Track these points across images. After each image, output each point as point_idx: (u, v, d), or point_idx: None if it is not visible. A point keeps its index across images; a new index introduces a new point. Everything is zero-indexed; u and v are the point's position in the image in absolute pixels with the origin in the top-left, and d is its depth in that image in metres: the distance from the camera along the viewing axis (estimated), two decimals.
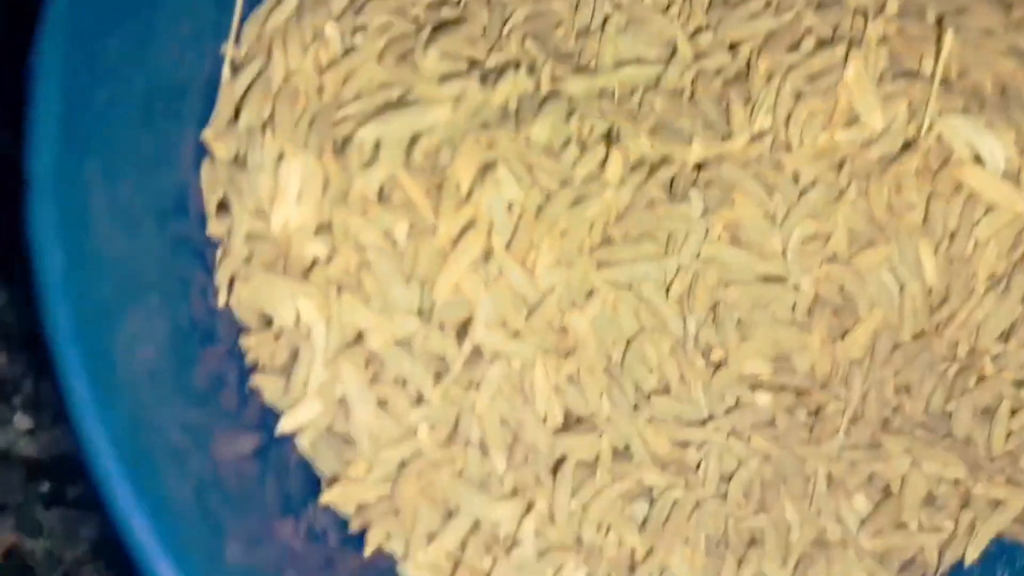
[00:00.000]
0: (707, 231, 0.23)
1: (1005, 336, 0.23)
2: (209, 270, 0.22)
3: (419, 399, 0.22)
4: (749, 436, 0.24)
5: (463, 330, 0.22)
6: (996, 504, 0.25)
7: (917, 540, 0.25)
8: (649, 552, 0.23)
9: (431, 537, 0.22)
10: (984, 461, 0.25)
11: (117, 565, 0.29)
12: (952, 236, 0.23)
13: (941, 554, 0.25)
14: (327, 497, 0.22)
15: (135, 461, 0.18)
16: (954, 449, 0.24)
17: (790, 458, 0.24)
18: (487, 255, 0.22)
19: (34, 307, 0.17)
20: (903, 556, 0.25)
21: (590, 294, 0.23)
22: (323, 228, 0.21)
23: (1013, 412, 0.24)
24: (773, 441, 0.24)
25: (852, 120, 0.22)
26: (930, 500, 0.25)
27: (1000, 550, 0.25)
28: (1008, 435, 0.24)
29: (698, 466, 0.24)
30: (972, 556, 0.25)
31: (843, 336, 0.23)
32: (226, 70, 0.21)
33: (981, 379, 0.24)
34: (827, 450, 0.24)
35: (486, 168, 0.21)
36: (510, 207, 0.22)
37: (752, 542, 0.24)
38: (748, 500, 0.24)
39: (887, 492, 0.25)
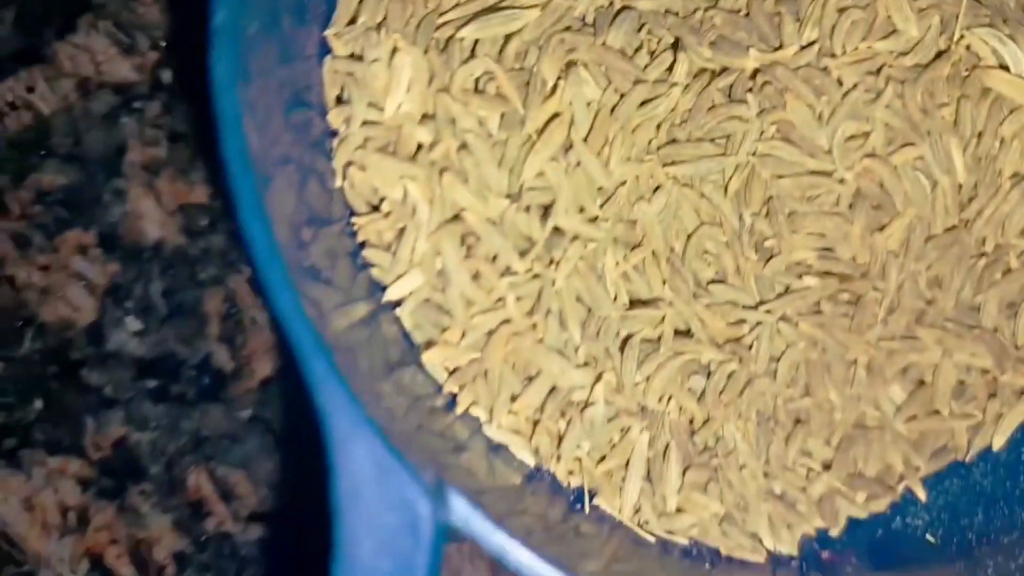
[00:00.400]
0: (761, 131, 0.26)
1: None
2: (328, 157, 0.25)
3: (507, 272, 0.25)
4: (797, 321, 0.27)
5: (546, 213, 0.25)
6: (1021, 393, 0.28)
7: (948, 426, 0.28)
8: (706, 421, 0.26)
9: (514, 398, 0.26)
10: (1010, 352, 0.27)
11: (219, 456, 0.32)
12: (980, 136, 0.26)
13: (971, 440, 0.28)
14: (427, 356, 0.25)
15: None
16: (982, 341, 0.27)
17: (834, 344, 0.27)
18: (567, 147, 0.25)
19: None
20: (936, 442, 0.28)
21: (657, 189, 0.26)
22: (428, 116, 0.25)
23: None
24: (819, 327, 0.27)
25: (890, 31, 0.25)
26: (960, 390, 0.28)
27: None
28: None
29: (750, 347, 0.27)
30: (999, 442, 0.28)
31: (881, 229, 0.26)
32: None
33: (1007, 272, 0.27)
34: (867, 338, 0.27)
35: (568, 67, 0.25)
36: (588, 104, 0.25)
37: (798, 421, 0.27)
38: (795, 384, 0.27)
39: (921, 382, 0.28)
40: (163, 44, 0.33)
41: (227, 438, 0.32)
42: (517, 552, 0.19)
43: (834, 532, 0.27)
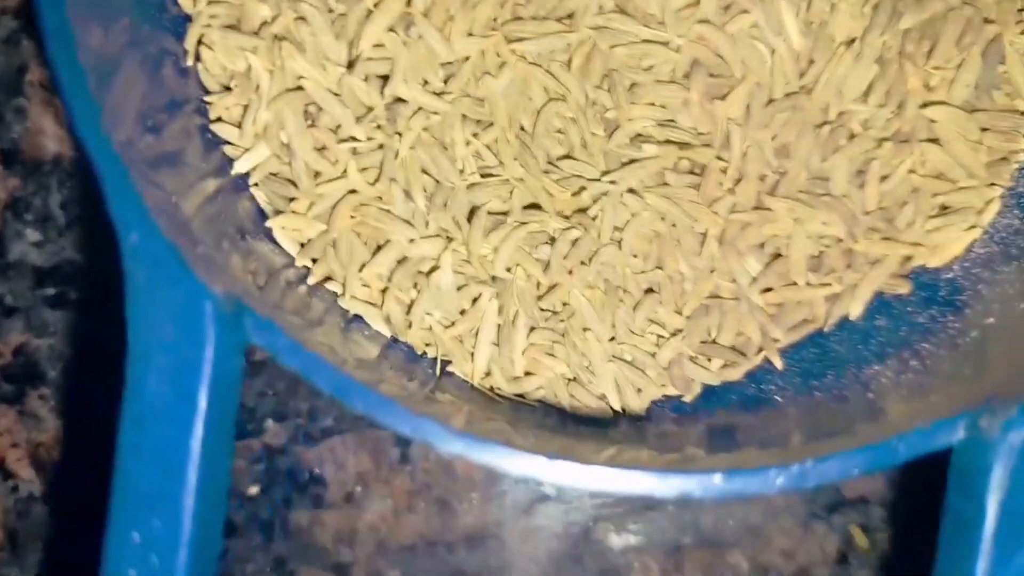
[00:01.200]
0: (600, 5, 0.27)
1: (865, 96, 0.28)
2: (181, 40, 0.27)
3: (349, 140, 0.27)
4: (643, 193, 0.28)
5: (384, 83, 0.27)
6: (875, 262, 0.29)
7: (806, 296, 0.29)
8: (552, 287, 0.28)
9: (363, 266, 0.27)
10: (860, 219, 0.29)
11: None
12: (809, 1, 0.27)
13: (829, 310, 0.29)
14: (273, 223, 0.27)
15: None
16: (833, 209, 0.28)
17: (681, 215, 0.28)
18: (407, 22, 0.27)
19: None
20: (795, 314, 0.29)
21: (503, 66, 0.28)
22: None
23: (883, 176, 0.29)
24: (665, 198, 0.28)
25: None
26: (817, 262, 0.29)
27: (880, 304, 0.29)
28: (881, 195, 0.29)
29: (595, 218, 0.28)
30: (856, 311, 0.29)
31: (723, 97, 0.28)
32: None
33: (851, 137, 0.28)
34: (717, 209, 0.28)
35: None
36: None
37: (649, 291, 0.29)
38: (647, 256, 0.28)
39: (777, 255, 0.29)
40: None
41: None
42: (308, 363, 0.20)
43: (687, 398, 0.28)
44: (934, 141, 0.28)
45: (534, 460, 0.22)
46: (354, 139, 0.27)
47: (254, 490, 0.33)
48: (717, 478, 0.20)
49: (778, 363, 0.29)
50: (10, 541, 0.34)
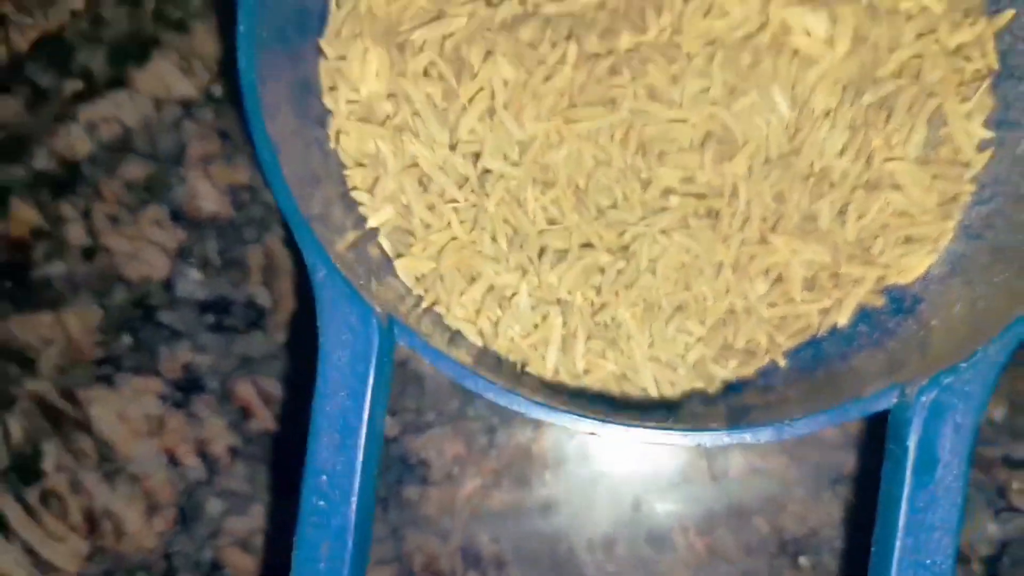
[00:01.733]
0: (635, 93, 0.37)
1: (841, 154, 0.37)
2: (326, 128, 0.38)
3: (452, 201, 0.37)
4: (671, 232, 0.38)
5: (477, 159, 0.37)
6: (856, 281, 0.38)
7: (802, 309, 0.39)
8: (603, 306, 0.38)
9: (462, 294, 0.37)
10: (843, 248, 0.38)
11: (261, 372, 0.44)
12: (795, 84, 0.37)
13: (821, 320, 0.39)
14: (398, 264, 0.37)
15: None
16: (822, 241, 0.38)
17: (701, 249, 0.38)
18: (491, 112, 0.37)
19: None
20: (794, 324, 0.39)
21: (562, 141, 0.38)
22: (391, 95, 0.37)
23: (859, 215, 0.38)
24: (688, 236, 0.38)
25: (723, 14, 0.37)
26: (810, 283, 0.39)
27: (862, 314, 0.39)
28: (858, 229, 0.38)
29: (635, 253, 0.38)
30: (843, 320, 0.39)
31: (730, 159, 0.38)
32: (333, 4, 0.38)
33: (832, 186, 0.38)
34: (729, 244, 0.38)
35: (488, 55, 0.37)
36: (505, 81, 0.37)
37: (679, 308, 0.38)
38: (676, 282, 0.38)
39: (779, 278, 0.39)
40: (215, 68, 0.46)
41: (267, 357, 0.44)
42: (439, 359, 0.31)
43: (711, 390, 0.38)
44: (896, 188, 0.38)
45: (594, 423, 0.31)
46: (455, 200, 0.37)
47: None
48: (722, 433, 0.30)
49: (781, 362, 0.38)
50: (181, 518, 0.44)
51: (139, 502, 0.44)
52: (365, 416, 0.29)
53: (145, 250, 0.45)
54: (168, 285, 0.44)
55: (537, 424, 0.43)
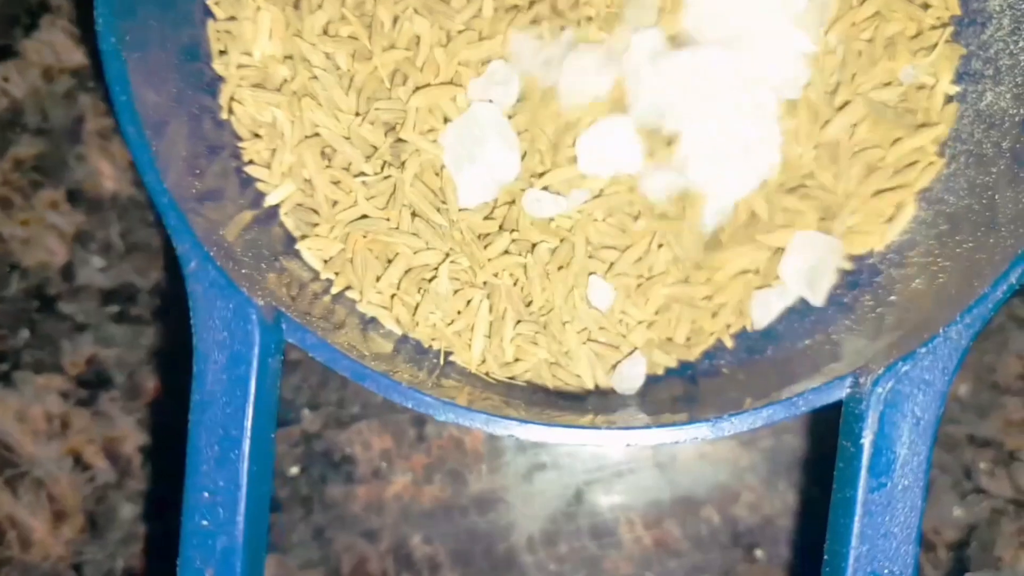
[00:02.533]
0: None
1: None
2: (216, 98, 0.34)
3: (360, 175, 0.33)
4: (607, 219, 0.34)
5: (390, 129, 0.33)
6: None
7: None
8: (535, 289, 0.34)
9: (377, 277, 0.33)
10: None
11: (170, 365, 0.40)
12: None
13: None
14: (300, 244, 0.33)
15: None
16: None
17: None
18: (406, 77, 0.33)
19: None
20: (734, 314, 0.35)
21: None
22: (288, 57, 0.33)
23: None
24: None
25: None
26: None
27: None
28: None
29: (570, 230, 0.34)
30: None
31: None
32: None
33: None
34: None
35: (399, 9, 0.33)
36: (418, 39, 0.33)
37: (626, 296, 0.34)
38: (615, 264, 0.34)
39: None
40: None
41: (177, 349, 0.40)
42: (335, 358, 0.27)
43: (657, 371, 0.34)
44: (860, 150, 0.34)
45: (521, 426, 0.28)
46: (363, 174, 0.33)
47: (295, 470, 0.39)
48: (653, 431, 0.26)
49: (729, 343, 0.35)
50: (90, 524, 0.40)
51: (45, 509, 0.40)
52: (248, 425, 0.25)
53: (41, 235, 0.41)
54: (68, 273, 0.40)
55: None
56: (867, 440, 0.25)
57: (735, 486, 0.39)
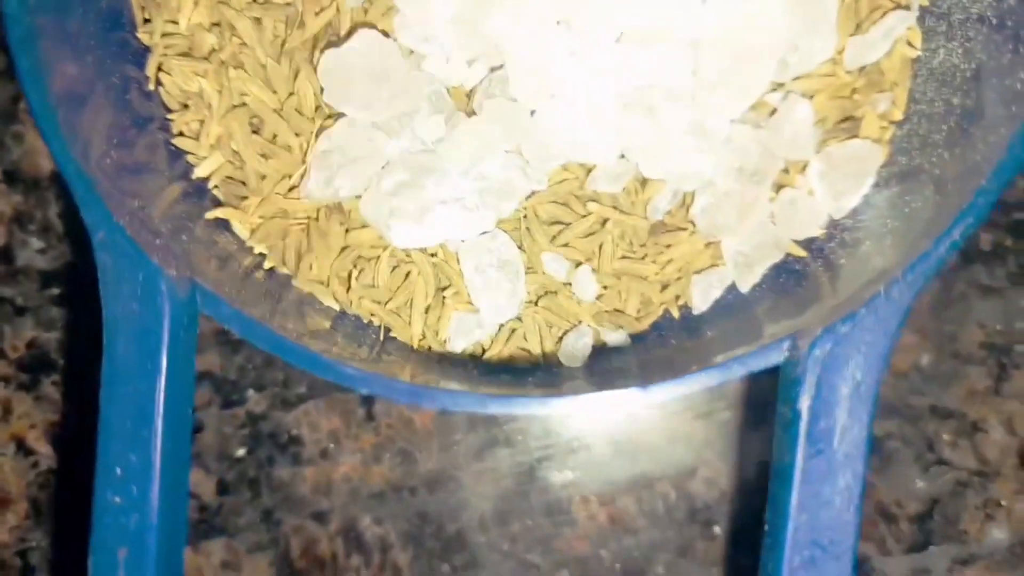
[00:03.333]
0: None
1: None
2: (143, 68, 0.32)
3: (289, 149, 0.31)
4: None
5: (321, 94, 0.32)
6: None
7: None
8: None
9: (311, 267, 0.32)
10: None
11: None
12: None
13: None
14: (229, 216, 0.32)
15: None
16: None
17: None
18: (340, 41, 0.31)
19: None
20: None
21: None
22: (215, 24, 0.31)
23: None
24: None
25: None
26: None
27: None
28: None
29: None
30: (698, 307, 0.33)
31: None
32: None
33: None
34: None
35: None
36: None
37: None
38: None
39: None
40: None
41: None
42: (254, 332, 0.25)
43: (609, 341, 0.33)
44: None
45: (454, 397, 0.26)
46: (288, 148, 0.31)
47: (241, 452, 0.38)
48: (588, 397, 0.25)
49: (676, 313, 0.33)
50: (33, 510, 0.39)
51: None
52: (160, 400, 0.24)
53: None
54: (6, 255, 0.39)
55: None
56: (804, 405, 0.23)
57: (692, 461, 0.38)
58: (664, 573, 0.38)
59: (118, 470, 0.24)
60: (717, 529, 0.38)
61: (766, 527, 0.25)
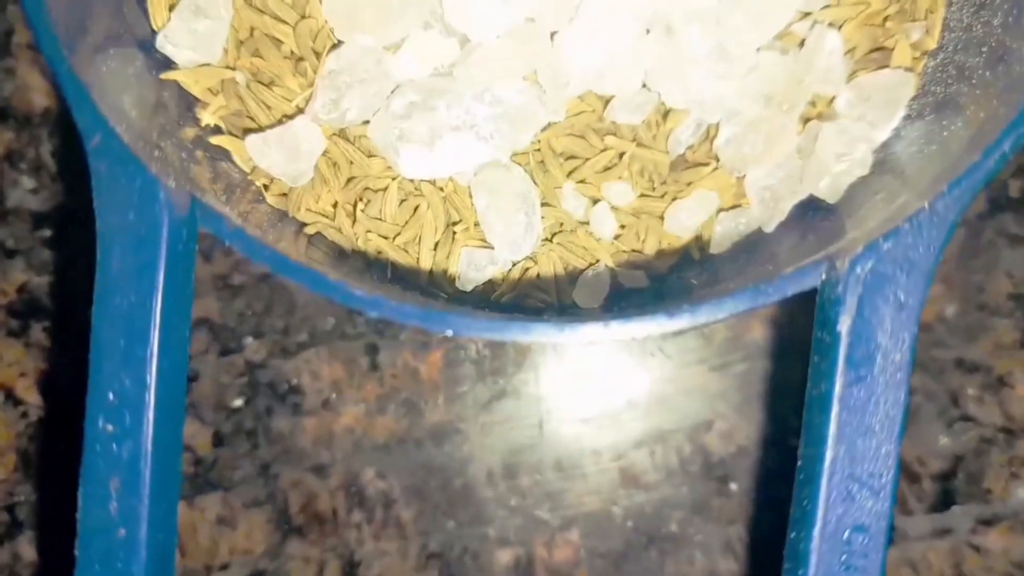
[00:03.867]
0: None
1: None
2: None
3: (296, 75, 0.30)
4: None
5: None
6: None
7: None
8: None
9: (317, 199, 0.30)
10: None
11: None
12: None
13: None
14: (230, 146, 0.30)
15: None
16: None
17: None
18: None
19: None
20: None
21: None
22: None
23: None
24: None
25: None
26: None
27: None
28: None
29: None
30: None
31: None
32: None
33: None
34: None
35: None
36: None
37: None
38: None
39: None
40: None
41: None
42: (256, 249, 0.23)
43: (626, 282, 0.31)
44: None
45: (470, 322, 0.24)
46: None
47: (238, 402, 0.36)
48: (613, 325, 0.23)
49: (696, 255, 0.32)
50: (22, 463, 0.37)
51: None
52: (157, 317, 0.22)
53: None
54: None
55: (426, 342, 0.36)
56: (844, 327, 0.22)
57: (707, 415, 0.36)
58: (678, 530, 0.36)
59: (110, 395, 0.22)
60: (734, 486, 0.36)
61: (799, 462, 0.23)
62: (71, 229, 0.37)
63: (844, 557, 0.22)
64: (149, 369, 0.22)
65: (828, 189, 0.30)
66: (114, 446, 0.22)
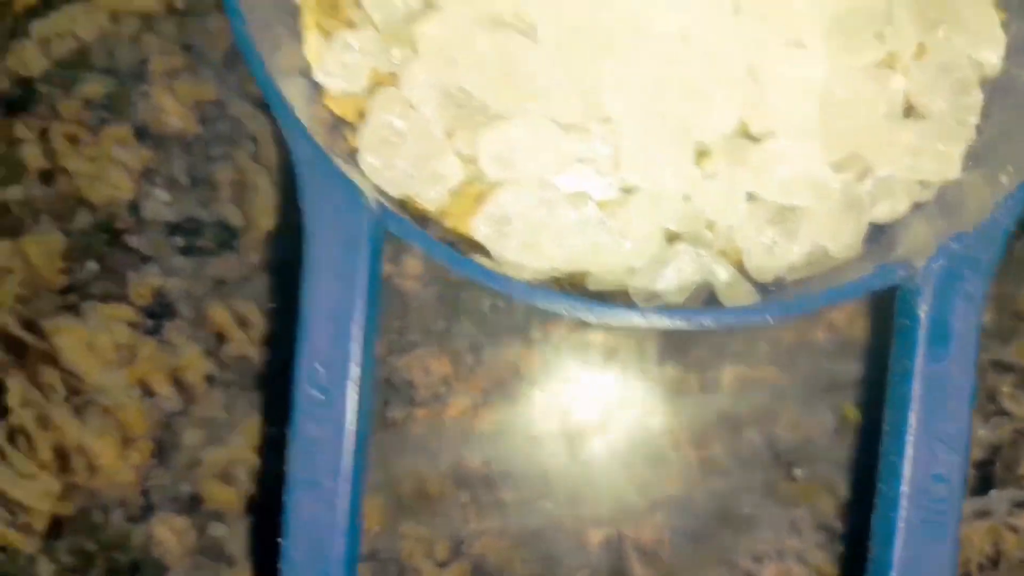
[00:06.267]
0: None
1: None
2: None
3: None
4: None
5: None
6: None
7: None
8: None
9: None
10: None
11: (235, 294, 0.43)
12: None
13: None
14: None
15: None
16: None
17: None
18: None
19: None
20: None
21: None
22: None
23: None
24: None
25: None
26: None
27: None
28: None
29: None
30: None
31: None
32: None
33: None
34: None
35: None
36: None
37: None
38: None
39: None
40: None
41: (241, 279, 0.43)
42: (431, 244, 0.30)
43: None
44: None
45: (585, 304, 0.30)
46: None
47: None
48: (709, 315, 0.30)
49: None
50: (157, 450, 0.43)
51: (112, 435, 0.42)
52: (360, 303, 0.28)
53: (108, 171, 0.43)
54: (134, 207, 0.43)
55: (526, 340, 0.42)
56: (924, 312, 0.28)
57: (775, 408, 0.42)
58: (750, 512, 0.42)
59: (317, 366, 0.28)
60: (798, 472, 0.42)
61: (886, 427, 0.29)
62: (200, 238, 0.43)
63: (928, 502, 0.28)
64: (353, 347, 0.28)
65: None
66: (322, 411, 0.28)
